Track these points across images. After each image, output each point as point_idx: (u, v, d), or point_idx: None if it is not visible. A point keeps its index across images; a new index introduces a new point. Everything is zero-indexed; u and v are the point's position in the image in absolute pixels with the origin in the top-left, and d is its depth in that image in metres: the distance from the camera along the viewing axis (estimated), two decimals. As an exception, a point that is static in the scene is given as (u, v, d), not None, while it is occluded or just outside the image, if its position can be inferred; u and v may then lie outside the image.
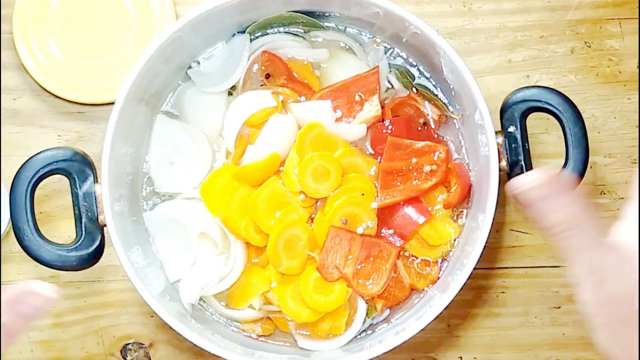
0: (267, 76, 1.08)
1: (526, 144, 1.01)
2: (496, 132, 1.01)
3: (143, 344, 1.15)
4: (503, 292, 1.16)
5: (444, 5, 1.18)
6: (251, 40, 1.09)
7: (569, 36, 1.18)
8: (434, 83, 1.09)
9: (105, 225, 0.98)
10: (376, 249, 1.04)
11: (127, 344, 1.16)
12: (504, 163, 1.01)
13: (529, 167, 1.01)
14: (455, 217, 1.07)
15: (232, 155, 1.07)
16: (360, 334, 1.07)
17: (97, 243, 1.00)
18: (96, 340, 1.16)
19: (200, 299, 1.07)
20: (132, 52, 1.16)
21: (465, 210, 1.07)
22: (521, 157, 1.01)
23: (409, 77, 1.09)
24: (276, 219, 1.04)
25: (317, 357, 1.05)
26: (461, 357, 1.16)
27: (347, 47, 1.10)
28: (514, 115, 1.02)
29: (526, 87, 1.02)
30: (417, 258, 1.06)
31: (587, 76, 1.18)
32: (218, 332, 1.04)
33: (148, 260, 1.05)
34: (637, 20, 1.18)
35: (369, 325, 1.07)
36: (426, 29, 1.01)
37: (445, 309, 0.97)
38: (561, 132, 1.01)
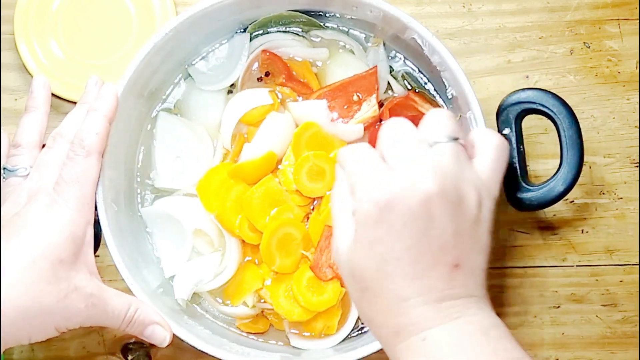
0: (267, 74, 1.09)
1: (521, 147, 1.01)
2: (491, 135, 1.01)
3: (144, 344, 1.15)
4: (502, 292, 1.16)
5: (444, 6, 1.19)
6: (251, 39, 1.10)
7: (568, 37, 1.18)
8: (432, 85, 1.09)
9: (98, 220, 0.99)
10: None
11: (128, 344, 1.16)
12: (498, 165, 1.01)
13: (524, 169, 1.01)
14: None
15: (229, 153, 1.08)
16: (352, 334, 1.07)
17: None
18: (97, 339, 1.16)
19: (196, 294, 1.08)
20: (133, 52, 1.15)
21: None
22: (515, 160, 1.01)
23: (409, 79, 1.09)
24: (270, 217, 1.04)
25: (308, 356, 1.05)
26: (461, 357, 1.16)
27: (347, 47, 1.11)
28: (509, 118, 1.01)
29: (522, 89, 1.02)
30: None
31: (586, 77, 1.18)
32: (210, 329, 1.05)
33: (143, 255, 1.06)
34: (637, 21, 1.18)
35: (362, 325, 1.07)
36: (421, 29, 1.02)
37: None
38: (553, 125, 1.01)
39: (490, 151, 0.84)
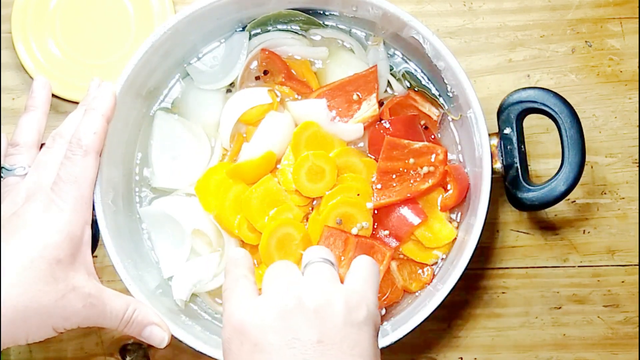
0: (265, 72, 1.08)
1: (522, 146, 1.01)
2: (492, 134, 1.01)
3: (142, 344, 1.15)
4: (503, 293, 1.15)
5: (444, 4, 1.18)
6: (250, 38, 1.09)
7: (570, 35, 1.18)
8: (432, 84, 1.08)
9: (95, 220, 0.99)
10: (371, 250, 1.03)
11: (126, 344, 1.16)
12: (498, 165, 1.01)
13: (525, 169, 1.01)
14: (450, 219, 1.06)
15: (228, 153, 1.07)
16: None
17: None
18: (95, 340, 1.16)
19: (195, 295, 1.07)
20: (132, 51, 1.16)
21: (461, 213, 1.06)
22: (516, 160, 1.01)
23: (409, 78, 1.09)
24: (269, 217, 1.03)
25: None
26: (461, 358, 1.16)
27: (347, 45, 1.10)
28: (509, 117, 1.02)
29: (523, 89, 1.02)
30: (411, 260, 1.06)
31: (587, 76, 1.17)
32: (209, 329, 1.04)
33: (141, 255, 1.06)
34: (638, 20, 1.17)
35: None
36: (421, 28, 1.01)
37: (432, 312, 0.97)
38: (554, 124, 1.01)
39: (360, 268, 0.87)
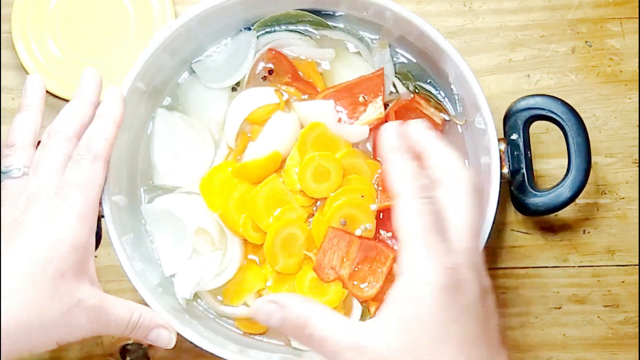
0: (271, 72, 1.08)
1: (528, 152, 1.02)
2: (499, 140, 1.01)
3: (142, 345, 1.15)
4: (503, 293, 1.16)
5: (445, 4, 1.18)
6: (257, 37, 1.09)
7: (570, 35, 1.18)
8: (438, 87, 1.08)
9: (103, 216, 0.98)
10: (374, 252, 1.03)
11: (127, 345, 1.15)
12: (505, 170, 1.01)
13: (531, 175, 1.02)
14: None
15: (233, 152, 1.07)
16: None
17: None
18: (95, 340, 1.15)
19: (196, 294, 1.07)
20: (131, 51, 1.16)
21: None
22: (523, 165, 1.01)
23: (414, 80, 1.08)
24: (274, 217, 1.03)
25: (309, 358, 1.04)
26: (461, 357, 1.16)
27: (354, 47, 1.10)
28: (517, 123, 1.02)
29: (530, 96, 1.02)
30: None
31: (587, 76, 1.17)
32: (211, 328, 1.04)
33: (143, 253, 1.05)
34: (638, 20, 1.17)
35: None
36: (432, 32, 1.01)
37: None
38: (561, 131, 1.02)
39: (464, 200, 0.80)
